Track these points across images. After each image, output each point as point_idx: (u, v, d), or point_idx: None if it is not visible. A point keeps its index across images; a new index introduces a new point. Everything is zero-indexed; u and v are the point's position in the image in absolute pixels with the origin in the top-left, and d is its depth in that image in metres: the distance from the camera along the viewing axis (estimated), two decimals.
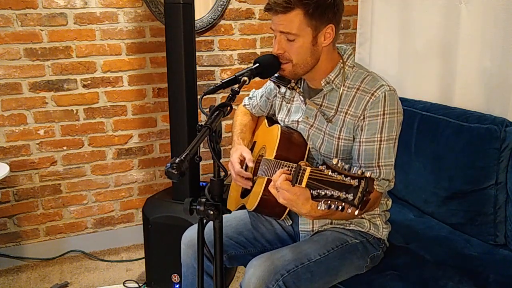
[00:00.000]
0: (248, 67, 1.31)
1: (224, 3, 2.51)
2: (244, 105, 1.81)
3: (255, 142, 1.71)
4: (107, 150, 2.51)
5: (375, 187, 1.33)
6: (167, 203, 2.15)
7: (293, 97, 1.55)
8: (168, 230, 2.05)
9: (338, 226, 1.48)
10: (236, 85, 1.23)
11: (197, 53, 2.46)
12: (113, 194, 2.59)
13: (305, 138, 1.48)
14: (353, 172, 0.99)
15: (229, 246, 1.54)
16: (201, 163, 2.64)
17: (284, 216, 1.46)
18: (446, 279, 1.46)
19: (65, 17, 2.27)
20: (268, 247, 1.57)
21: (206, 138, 1.07)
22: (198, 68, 2.53)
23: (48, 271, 2.41)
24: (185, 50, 2.01)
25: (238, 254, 1.56)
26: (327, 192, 1.00)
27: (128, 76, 2.46)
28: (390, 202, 1.54)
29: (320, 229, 1.49)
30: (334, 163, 1.02)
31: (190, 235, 1.56)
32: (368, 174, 0.98)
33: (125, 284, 2.29)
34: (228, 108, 1.15)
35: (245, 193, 1.57)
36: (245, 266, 1.41)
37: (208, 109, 1.17)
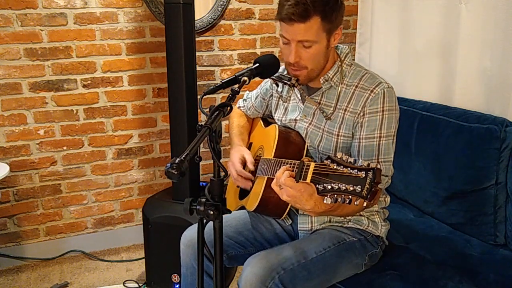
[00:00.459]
0: (248, 67, 1.31)
1: (224, 3, 2.51)
2: (239, 107, 1.82)
3: (251, 143, 1.71)
4: (107, 150, 2.51)
5: None
6: (167, 203, 2.15)
7: (290, 96, 1.56)
8: (168, 230, 2.05)
9: (336, 224, 1.49)
10: (236, 85, 1.23)
11: (197, 53, 2.46)
12: (113, 194, 2.59)
13: (303, 136, 1.48)
14: (359, 164, 0.99)
15: (228, 246, 1.54)
16: (201, 163, 2.64)
17: (284, 215, 1.46)
18: (446, 279, 1.46)
19: (65, 17, 2.27)
20: (268, 247, 1.57)
21: (206, 138, 1.07)
22: (198, 68, 2.53)
23: (48, 271, 2.41)
24: (185, 50, 2.01)
25: (238, 254, 1.56)
26: (334, 186, 1.00)
27: (128, 76, 2.46)
28: (388, 199, 1.55)
29: (318, 228, 1.49)
30: (339, 156, 1.03)
31: (189, 235, 1.56)
32: (373, 165, 0.98)
33: (125, 284, 2.29)
34: (228, 108, 1.15)
35: (243, 194, 1.57)
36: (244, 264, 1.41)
37: (208, 109, 1.18)
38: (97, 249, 2.60)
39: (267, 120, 1.72)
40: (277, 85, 1.59)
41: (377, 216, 1.51)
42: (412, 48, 2.29)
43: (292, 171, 1.17)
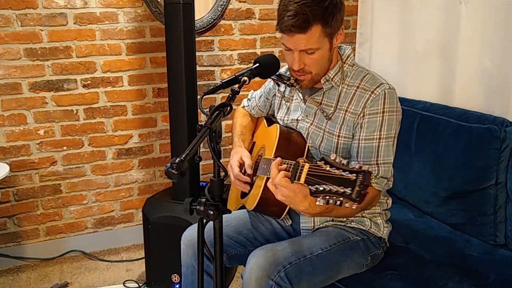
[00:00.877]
0: (248, 67, 1.31)
1: (224, 3, 2.51)
2: (243, 106, 1.82)
3: (254, 142, 1.71)
4: (107, 150, 2.51)
5: (373, 185, 1.33)
6: (167, 203, 2.15)
7: (292, 96, 1.56)
8: (168, 230, 2.05)
9: (339, 223, 1.49)
10: (236, 85, 1.23)
11: (197, 53, 2.46)
12: (113, 194, 2.59)
13: (305, 136, 1.48)
14: (351, 166, 0.99)
15: (228, 246, 1.54)
16: (201, 163, 2.64)
17: (283, 215, 1.46)
18: (446, 279, 1.46)
19: (65, 17, 2.27)
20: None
21: (206, 138, 1.07)
22: (198, 68, 2.53)
23: (48, 271, 2.41)
24: (185, 50, 2.01)
25: (238, 254, 1.56)
26: (325, 187, 1.00)
27: (128, 76, 2.46)
28: (390, 201, 1.55)
29: (321, 226, 1.49)
30: (332, 158, 1.03)
31: (189, 234, 1.56)
32: (365, 168, 0.98)
33: (125, 284, 2.29)
34: (228, 108, 1.16)
35: (244, 193, 1.58)
36: (245, 266, 1.41)
37: (208, 109, 1.18)
38: (97, 249, 2.60)
39: (271, 119, 1.72)
40: (278, 85, 1.59)
41: (379, 217, 1.51)
42: (412, 48, 2.29)
43: (288, 171, 1.17)
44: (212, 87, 1.23)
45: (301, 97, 1.51)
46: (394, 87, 1.39)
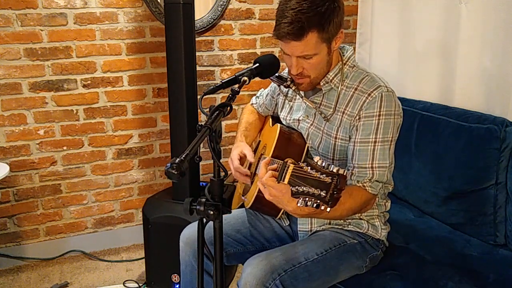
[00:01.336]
0: (248, 67, 1.31)
1: (224, 3, 2.51)
2: (252, 104, 1.82)
3: (259, 141, 1.71)
4: (107, 150, 2.51)
5: (367, 188, 1.33)
6: (167, 203, 2.15)
7: (295, 95, 1.56)
8: (168, 230, 2.05)
9: (336, 226, 1.48)
10: (236, 85, 1.23)
11: (197, 53, 2.46)
12: (113, 194, 2.59)
13: (305, 137, 1.48)
14: (330, 169, 0.99)
15: (227, 244, 1.54)
16: (201, 163, 2.64)
17: (279, 215, 1.46)
18: (446, 279, 1.46)
19: (65, 17, 2.27)
20: (267, 245, 1.57)
21: (206, 138, 1.07)
22: (198, 68, 2.53)
23: (48, 271, 2.41)
24: (185, 50, 2.01)
25: (236, 252, 1.56)
26: (305, 189, 1.00)
27: (128, 76, 2.46)
28: (389, 204, 1.54)
29: (318, 229, 1.49)
30: (315, 160, 1.03)
31: (188, 233, 1.56)
32: (341, 172, 0.98)
33: (125, 284, 2.29)
34: (228, 108, 1.15)
35: (246, 190, 1.58)
36: (244, 264, 1.41)
37: (208, 109, 1.18)
38: (97, 249, 2.60)
39: (277, 118, 1.72)
40: (279, 86, 1.60)
41: (377, 219, 1.50)
42: (412, 48, 2.29)
43: (277, 170, 1.16)
44: (212, 87, 1.23)
45: (302, 97, 1.51)
46: (394, 88, 1.38)
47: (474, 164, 1.72)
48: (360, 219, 1.48)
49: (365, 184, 1.34)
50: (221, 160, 1.14)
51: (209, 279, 1.52)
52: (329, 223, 1.48)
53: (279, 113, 1.64)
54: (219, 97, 2.66)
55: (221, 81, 1.25)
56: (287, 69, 1.58)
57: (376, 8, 2.55)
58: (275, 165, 1.21)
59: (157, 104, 2.55)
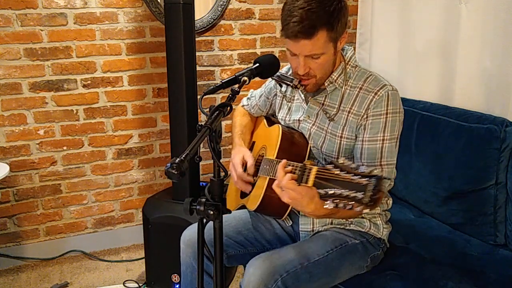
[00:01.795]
0: (248, 67, 1.31)
1: (224, 3, 2.51)
2: (243, 105, 1.82)
3: (254, 142, 1.71)
4: (107, 150, 2.51)
5: None
6: (167, 203, 2.15)
7: (294, 96, 1.56)
8: (168, 230, 2.05)
9: (338, 226, 1.48)
10: (236, 85, 1.23)
11: (197, 53, 2.46)
12: (113, 194, 2.59)
13: (307, 137, 1.48)
14: (360, 171, 0.99)
15: (228, 246, 1.54)
16: (201, 163, 2.64)
17: (285, 216, 1.46)
18: (446, 279, 1.46)
19: (65, 17, 2.27)
20: (268, 247, 1.57)
21: (206, 138, 1.07)
22: (198, 68, 2.53)
23: (48, 271, 2.41)
24: (185, 50, 2.01)
25: (238, 254, 1.56)
26: (336, 191, 1.00)
27: (128, 76, 2.46)
28: (390, 202, 1.55)
29: (320, 229, 1.49)
30: (341, 162, 1.03)
31: (189, 234, 1.56)
32: (376, 173, 0.98)
33: (125, 284, 2.29)
34: (228, 108, 1.15)
35: (244, 193, 1.57)
36: (244, 266, 1.41)
37: (208, 109, 1.17)
38: (97, 249, 2.60)
39: (271, 119, 1.71)
40: (280, 86, 1.59)
41: (379, 218, 1.50)
42: (412, 48, 2.29)
43: (294, 173, 1.17)
44: (212, 87, 1.23)
45: (303, 98, 1.51)
46: (395, 87, 1.39)
47: (474, 164, 1.72)
48: (362, 217, 1.48)
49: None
50: (221, 160, 1.14)
51: (209, 280, 1.51)
52: (331, 223, 1.49)
53: (276, 114, 1.63)
54: (219, 97, 2.66)
55: (221, 81, 1.25)
56: (286, 67, 1.58)
57: (376, 8, 2.55)
58: (290, 168, 1.20)
59: (157, 104, 2.55)
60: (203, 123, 1.08)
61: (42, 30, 2.25)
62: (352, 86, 1.40)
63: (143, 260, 2.31)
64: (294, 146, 1.46)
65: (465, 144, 1.75)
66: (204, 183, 2.27)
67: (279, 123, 1.59)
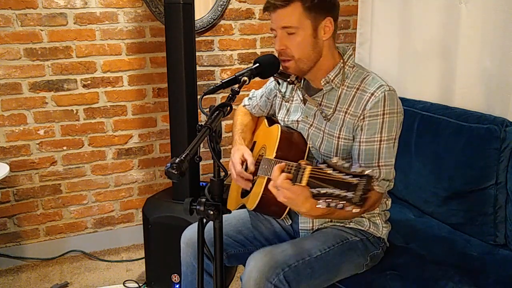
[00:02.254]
0: (248, 67, 1.31)
1: (224, 3, 2.51)
2: (244, 105, 1.82)
3: (255, 142, 1.71)
4: (107, 150, 2.51)
5: (375, 187, 1.33)
6: (167, 203, 2.15)
7: (293, 97, 1.56)
8: (168, 230, 2.05)
9: (338, 224, 1.49)
10: (236, 85, 1.23)
11: (197, 53, 2.46)
12: (113, 194, 2.59)
13: (305, 137, 1.48)
14: (353, 170, 0.99)
15: (228, 245, 1.54)
16: (201, 163, 2.64)
17: (284, 215, 1.46)
18: (446, 279, 1.46)
19: (65, 17, 2.27)
20: (268, 245, 1.57)
21: (206, 138, 1.07)
22: (198, 68, 2.53)
23: (48, 271, 2.41)
24: (185, 50, 2.01)
25: (237, 253, 1.56)
26: (327, 191, 1.00)
27: (128, 76, 2.46)
28: (389, 202, 1.55)
29: (320, 227, 1.49)
30: (335, 161, 1.03)
31: (189, 233, 1.56)
32: (367, 172, 0.98)
33: (125, 284, 2.29)
34: (228, 108, 1.15)
35: (245, 192, 1.58)
36: (244, 265, 1.41)
37: (208, 109, 1.18)
38: (97, 249, 2.60)
39: (272, 119, 1.72)
40: (279, 83, 1.60)
41: (378, 218, 1.50)
42: (412, 48, 2.29)
43: (290, 173, 1.17)
44: (212, 87, 1.23)
45: (301, 98, 1.51)
46: (394, 87, 1.38)
47: (474, 164, 1.72)
48: (362, 217, 1.48)
49: (373, 184, 1.34)
50: (221, 160, 1.14)
51: (209, 279, 1.52)
52: (331, 221, 1.49)
53: (276, 115, 1.64)
54: (219, 97, 2.66)
55: (221, 81, 1.25)
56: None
57: (376, 8, 2.55)
58: (283, 164, 1.20)
59: (157, 104, 2.55)
60: (203, 123, 1.08)
61: (42, 30, 2.25)
62: (349, 87, 1.40)
63: (143, 260, 2.31)
64: (293, 146, 1.46)
65: (465, 144, 1.75)
66: (204, 183, 2.27)
67: (279, 123, 1.59)
